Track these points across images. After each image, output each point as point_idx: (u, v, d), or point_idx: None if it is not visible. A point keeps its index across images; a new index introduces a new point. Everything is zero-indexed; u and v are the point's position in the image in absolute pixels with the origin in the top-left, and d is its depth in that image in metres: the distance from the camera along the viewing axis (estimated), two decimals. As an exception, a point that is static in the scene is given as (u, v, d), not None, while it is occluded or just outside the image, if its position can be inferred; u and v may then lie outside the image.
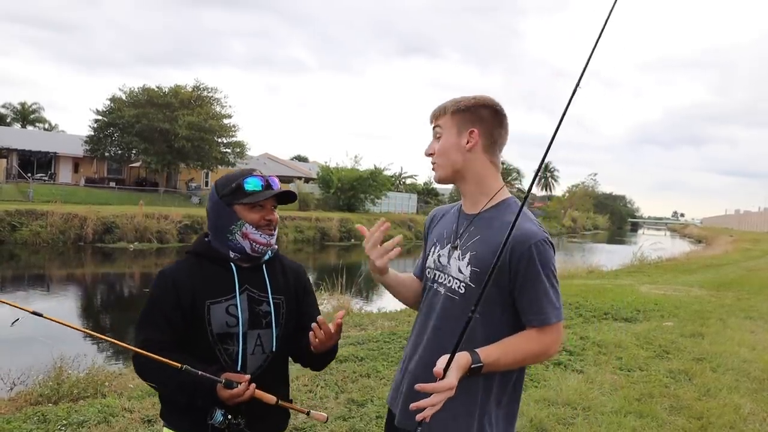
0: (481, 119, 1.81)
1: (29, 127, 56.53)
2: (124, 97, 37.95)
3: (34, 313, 1.81)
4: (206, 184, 44.87)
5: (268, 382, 1.88)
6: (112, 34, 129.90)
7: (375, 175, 42.18)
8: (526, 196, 1.67)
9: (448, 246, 1.86)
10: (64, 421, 3.76)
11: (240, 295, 1.92)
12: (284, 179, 52.25)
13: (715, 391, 5.01)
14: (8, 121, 56.10)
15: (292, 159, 68.21)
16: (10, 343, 8.97)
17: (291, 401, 1.98)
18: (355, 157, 47.79)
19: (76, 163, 42.02)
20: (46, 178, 38.88)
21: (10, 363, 5.95)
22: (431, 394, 1.53)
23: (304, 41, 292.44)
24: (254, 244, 1.93)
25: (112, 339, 1.96)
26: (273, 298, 1.97)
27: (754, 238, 38.72)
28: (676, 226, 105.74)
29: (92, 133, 38.06)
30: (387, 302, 12.40)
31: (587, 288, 11.28)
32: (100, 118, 37.75)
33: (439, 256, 1.89)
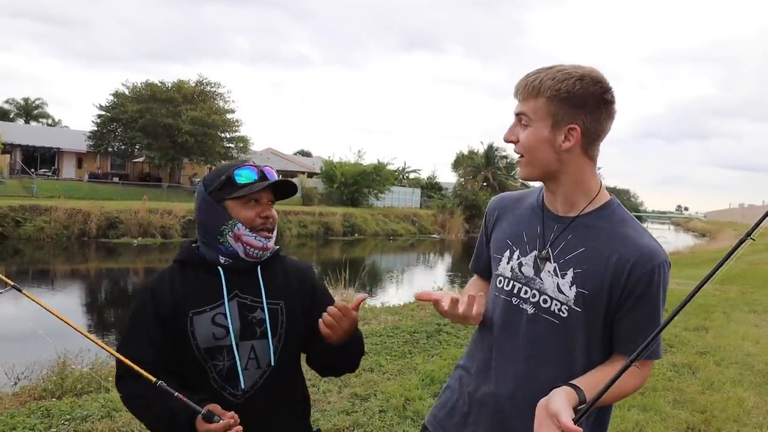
0: (585, 110, 1.41)
1: (32, 123, 56.57)
2: (127, 93, 37.95)
3: (14, 286, 1.64)
4: (209, 179, 44.88)
5: (268, 402, 1.68)
6: (114, 29, 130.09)
7: (378, 169, 42.13)
8: (752, 230, 1.27)
9: (533, 254, 1.53)
10: (68, 416, 3.77)
11: (229, 302, 1.65)
12: (287, 174, 52.25)
13: (718, 384, 5.00)
14: (11, 116, 56.16)
15: (295, 154, 68.19)
16: (14, 339, 9.00)
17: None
18: (358, 151, 47.75)
19: (80, 159, 42.08)
20: (50, 174, 38.96)
21: (14, 358, 5.97)
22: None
23: (307, 36, 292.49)
24: (248, 247, 1.66)
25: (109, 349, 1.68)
26: (268, 303, 1.69)
27: (758, 233, 38.58)
28: (680, 220, 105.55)
29: (95, 129, 38.09)
30: (390, 297, 12.42)
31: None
32: (103, 113, 37.77)
33: (520, 264, 1.55)
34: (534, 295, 1.51)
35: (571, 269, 1.46)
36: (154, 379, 1.52)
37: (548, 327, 1.48)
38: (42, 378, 4.96)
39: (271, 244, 1.70)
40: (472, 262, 1.82)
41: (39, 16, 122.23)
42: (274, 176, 1.70)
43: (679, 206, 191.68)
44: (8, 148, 37.51)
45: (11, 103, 57.34)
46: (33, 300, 1.66)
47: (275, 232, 1.72)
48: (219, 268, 1.68)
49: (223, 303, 1.65)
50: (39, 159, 40.78)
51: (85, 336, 1.72)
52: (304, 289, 1.78)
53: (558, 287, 1.47)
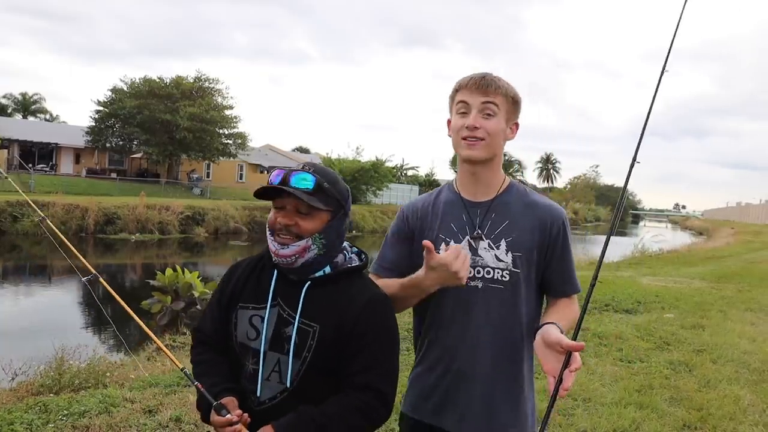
0: (518, 112, 1.82)
1: (30, 118, 56.47)
2: (125, 88, 37.89)
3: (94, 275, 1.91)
4: (207, 175, 44.81)
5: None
6: (113, 24, 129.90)
7: (376, 166, 42.10)
8: (622, 194, 1.89)
9: (467, 239, 1.78)
10: (66, 411, 3.77)
11: (271, 308, 1.64)
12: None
13: (715, 382, 5.02)
14: (9, 111, 56.07)
15: (293, 150, 68.09)
16: (12, 334, 9.00)
17: None
18: (357, 148, 47.92)
19: (78, 154, 42.00)
20: (48, 169, 38.87)
21: (11, 353, 5.97)
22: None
23: (306, 32, 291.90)
24: (270, 251, 1.66)
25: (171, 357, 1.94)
26: (300, 322, 1.61)
27: (755, 230, 38.64)
28: (677, 218, 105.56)
29: (93, 124, 38.03)
30: (388, 293, 12.40)
31: (588, 279, 11.26)
32: (101, 108, 37.71)
33: None
34: (479, 272, 1.77)
35: (503, 240, 1.76)
36: (180, 366, 1.71)
37: (497, 293, 1.76)
38: (39, 373, 4.96)
39: (288, 252, 1.60)
40: (375, 265, 1.91)
41: (37, 11, 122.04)
42: (303, 185, 1.59)
43: (677, 204, 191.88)
44: (6, 144, 37.41)
45: (9, 99, 57.30)
46: (110, 291, 1.91)
47: (302, 243, 1.60)
48: (275, 270, 1.69)
49: (266, 306, 1.65)
50: (37, 154, 40.68)
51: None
52: (344, 318, 1.61)
53: (496, 257, 1.76)
